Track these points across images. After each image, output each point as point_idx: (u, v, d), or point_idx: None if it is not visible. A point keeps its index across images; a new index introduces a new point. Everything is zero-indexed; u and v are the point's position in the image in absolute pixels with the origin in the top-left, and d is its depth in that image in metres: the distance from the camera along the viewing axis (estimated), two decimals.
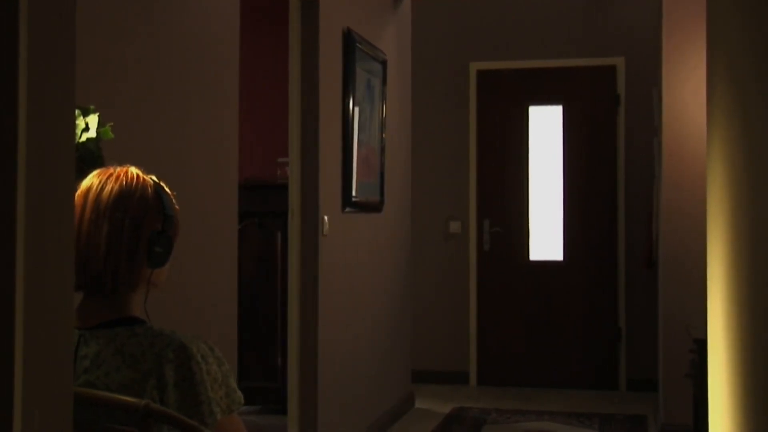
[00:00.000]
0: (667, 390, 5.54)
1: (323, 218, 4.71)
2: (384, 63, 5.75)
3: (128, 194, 1.85)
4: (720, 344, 2.65)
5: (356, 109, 5.19)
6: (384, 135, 5.78)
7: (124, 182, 1.86)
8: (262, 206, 5.93)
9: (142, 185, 1.88)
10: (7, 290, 1.12)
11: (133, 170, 1.90)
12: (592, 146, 7.24)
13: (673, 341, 5.50)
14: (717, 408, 2.75)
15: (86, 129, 2.07)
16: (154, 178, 1.92)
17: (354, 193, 5.14)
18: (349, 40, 5.08)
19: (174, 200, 1.94)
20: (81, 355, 1.82)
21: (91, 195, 1.85)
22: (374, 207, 5.61)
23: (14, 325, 1.12)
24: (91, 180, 1.88)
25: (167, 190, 1.93)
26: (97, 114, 2.11)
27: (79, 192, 1.87)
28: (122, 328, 1.83)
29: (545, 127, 7.35)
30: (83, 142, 2.06)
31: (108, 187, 1.85)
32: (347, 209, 5.09)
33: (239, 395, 1.85)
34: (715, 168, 2.76)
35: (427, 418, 6.17)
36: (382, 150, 5.75)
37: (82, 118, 2.08)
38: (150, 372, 1.77)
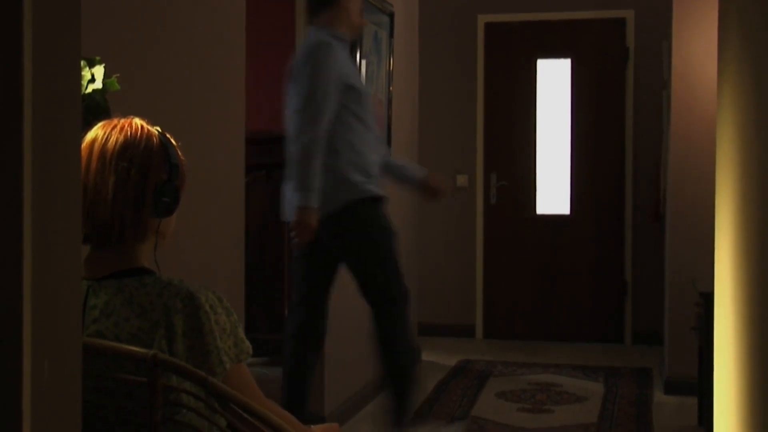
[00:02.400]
0: (673, 343, 5.56)
1: None
2: (391, 15, 5.71)
3: (133, 144, 1.85)
4: (726, 298, 2.65)
5: (363, 62, 5.16)
6: (391, 88, 5.75)
7: (128, 133, 1.87)
8: (270, 159, 5.92)
9: (147, 135, 1.88)
10: (15, 241, 1.12)
11: (138, 121, 1.90)
12: (600, 100, 7.20)
13: (679, 295, 5.51)
14: (722, 361, 2.76)
15: (92, 80, 2.06)
16: (158, 128, 1.92)
17: None
18: None
19: (179, 150, 1.94)
20: (90, 305, 1.83)
21: (96, 146, 1.86)
22: None
23: (23, 276, 1.12)
24: (96, 132, 1.88)
25: (172, 140, 1.93)
26: (103, 65, 2.10)
27: (84, 144, 1.87)
28: (131, 279, 1.84)
29: (554, 80, 7.30)
30: (89, 94, 2.05)
31: (113, 138, 1.86)
32: None
33: (248, 345, 1.87)
34: (725, 121, 2.74)
35: (433, 370, 6.22)
36: (389, 103, 5.72)
37: (88, 69, 2.07)
38: (159, 322, 1.78)
